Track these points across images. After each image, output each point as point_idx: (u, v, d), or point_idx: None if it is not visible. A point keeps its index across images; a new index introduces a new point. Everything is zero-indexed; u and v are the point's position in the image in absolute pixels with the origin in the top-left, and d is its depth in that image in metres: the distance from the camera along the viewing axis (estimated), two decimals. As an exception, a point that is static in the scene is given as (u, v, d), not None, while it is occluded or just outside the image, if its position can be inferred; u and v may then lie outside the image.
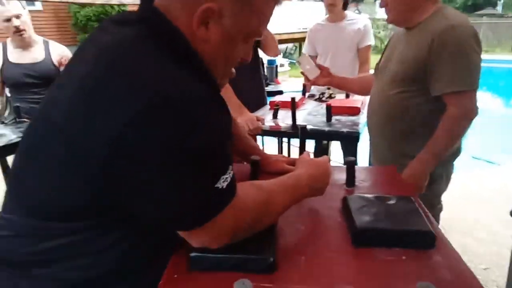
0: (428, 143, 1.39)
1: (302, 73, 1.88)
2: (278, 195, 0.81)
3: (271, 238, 0.81)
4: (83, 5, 9.69)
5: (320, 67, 1.88)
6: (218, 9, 0.63)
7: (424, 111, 1.42)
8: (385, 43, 1.74)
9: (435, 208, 1.55)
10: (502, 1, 30.29)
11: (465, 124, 1.35)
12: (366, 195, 1.01)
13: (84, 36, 10.15)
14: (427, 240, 0.83)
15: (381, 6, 1.46)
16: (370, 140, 1.70)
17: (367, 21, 2.73)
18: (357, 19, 2.70)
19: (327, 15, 2.73)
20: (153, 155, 0.56)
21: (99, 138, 0.57)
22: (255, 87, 2.37)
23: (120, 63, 0.59)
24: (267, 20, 0.74)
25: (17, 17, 2.30)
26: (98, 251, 0.68)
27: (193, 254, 0.75)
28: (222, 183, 0.62)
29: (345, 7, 2.65)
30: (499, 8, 28.76)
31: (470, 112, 1.34)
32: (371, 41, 2.67)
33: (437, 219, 1.55)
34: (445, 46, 1.29)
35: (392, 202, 0.95)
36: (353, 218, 0.88)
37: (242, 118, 2.00)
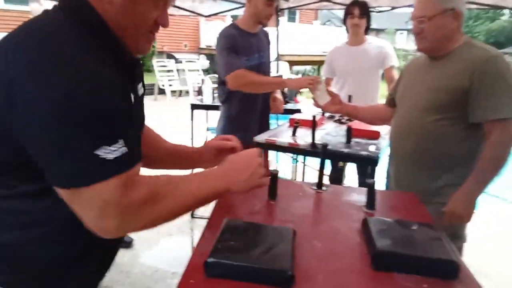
0: (475, 171, 1.40)
1: (313, 98, 1.88)
2: (183, 179, 0.78)
3: (289, 252, 0.80)
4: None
5: (331, 94, 1.86)
6: None
7: (461, 139, 1.44)
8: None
9: (461, 238, 1.53)
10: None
11: (509, 149, 1.38)
12: (387, 218, 0.99)
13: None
14: (450, 270, 0.80)
15: (414, 32, 1.47)
16: (393, 165, 1.69)
17: (387, 43, 2.75)
18: (377, 42, 2.72)
19: (347, 39, 2.75)
20: (37, 112, 0.61)
21: None
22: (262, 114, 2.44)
23: (25, 30, 0.68)
24: None
25: None
26: None
27: (210, 259, 0.74)
28: (105, 153, 0.63)
29: (366, 31, 2.68)
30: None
31: None
32: (395, 62, 2.67)
33: (460, 249, 1.52)
34: (488, 75, 1.34)
35: (414, 228, 0.92)
36: (374, 240, 0.86)
37: (296, 80, 2.13)
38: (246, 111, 2.25)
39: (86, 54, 0.66)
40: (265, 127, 2.33)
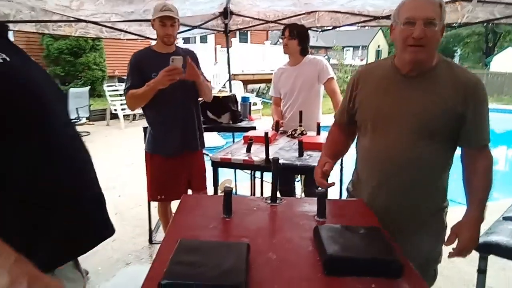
0: (474, 202, 1.35)
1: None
2: None
3: (242, 266, 0.81)
4: (57, 38, 9.66)
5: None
6: None
7: (449, 162, 1.40)
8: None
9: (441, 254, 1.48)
10: (458, 53, 33.22)
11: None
12: (336, 225, 1.03)
13: (55, 69, 10.01)
14: (394, 269, 0.85)
15: (417, 36, 1.21)
16: (382, 198, 1.37)
17: (322, 59, 2.96)
18: (313, 59, 2.90)
19: (289, 60, 2.91)
20: None
21: None
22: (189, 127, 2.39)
23: None
24: None
25: None
26: None
27: (163, 281, 0.73)
28: None
29: (302, 52, 2.84)
30: (456, 60, 31.35)
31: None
32: (331, 74, 2.84)
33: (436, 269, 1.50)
34: (482, 102, 1.32)
35: (361, 232, 0.97)
36: (324, 247, 0.89)
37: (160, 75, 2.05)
38: (163, 123, 2.31)
39: None
40: (189, 138, 2.35)
